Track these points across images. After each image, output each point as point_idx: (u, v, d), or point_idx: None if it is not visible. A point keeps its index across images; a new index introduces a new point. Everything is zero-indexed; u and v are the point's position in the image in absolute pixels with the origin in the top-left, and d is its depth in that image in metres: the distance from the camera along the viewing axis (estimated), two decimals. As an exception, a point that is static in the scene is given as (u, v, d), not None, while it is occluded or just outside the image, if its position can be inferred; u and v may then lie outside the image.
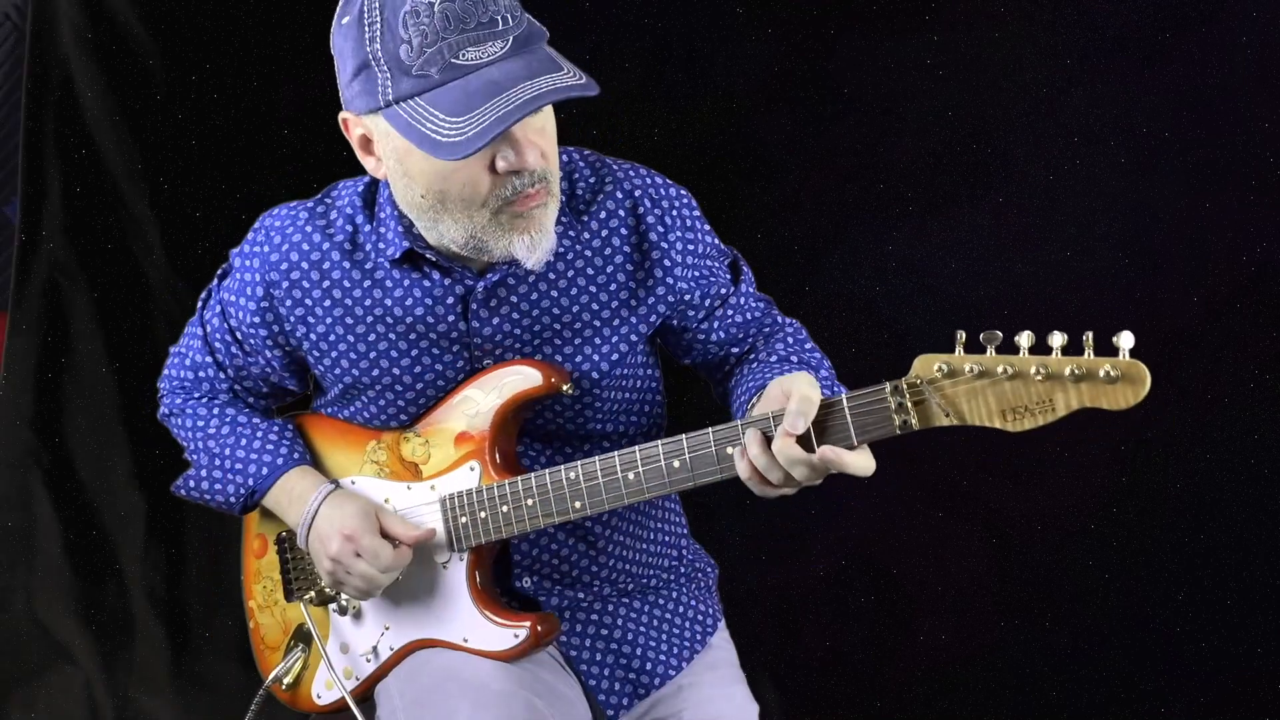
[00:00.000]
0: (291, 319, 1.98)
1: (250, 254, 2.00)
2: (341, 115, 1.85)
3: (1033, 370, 1.60)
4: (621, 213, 1.94)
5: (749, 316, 2.06)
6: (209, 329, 2.10)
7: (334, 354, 1.98)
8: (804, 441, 1.71)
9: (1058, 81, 3.00)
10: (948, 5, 3.02)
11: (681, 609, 2.14)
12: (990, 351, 1.62)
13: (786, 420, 1.70)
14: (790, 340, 2.05)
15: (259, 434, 2.09)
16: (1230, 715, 3.08)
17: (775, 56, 3.09)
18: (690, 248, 1.97)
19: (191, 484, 2.14)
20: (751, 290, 2.09)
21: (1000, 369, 1.61)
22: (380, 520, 1.95)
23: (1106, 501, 3.09)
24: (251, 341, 2.04)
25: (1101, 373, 1.56)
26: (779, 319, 2.09)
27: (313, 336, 1.98)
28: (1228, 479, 3.04)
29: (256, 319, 2.00)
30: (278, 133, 3.19)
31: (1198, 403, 2.99)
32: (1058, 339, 1.58)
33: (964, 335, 1.63)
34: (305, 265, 1.96)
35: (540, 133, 1.79)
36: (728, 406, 2.02)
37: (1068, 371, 1.58)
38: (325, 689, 2.10)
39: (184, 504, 3.14)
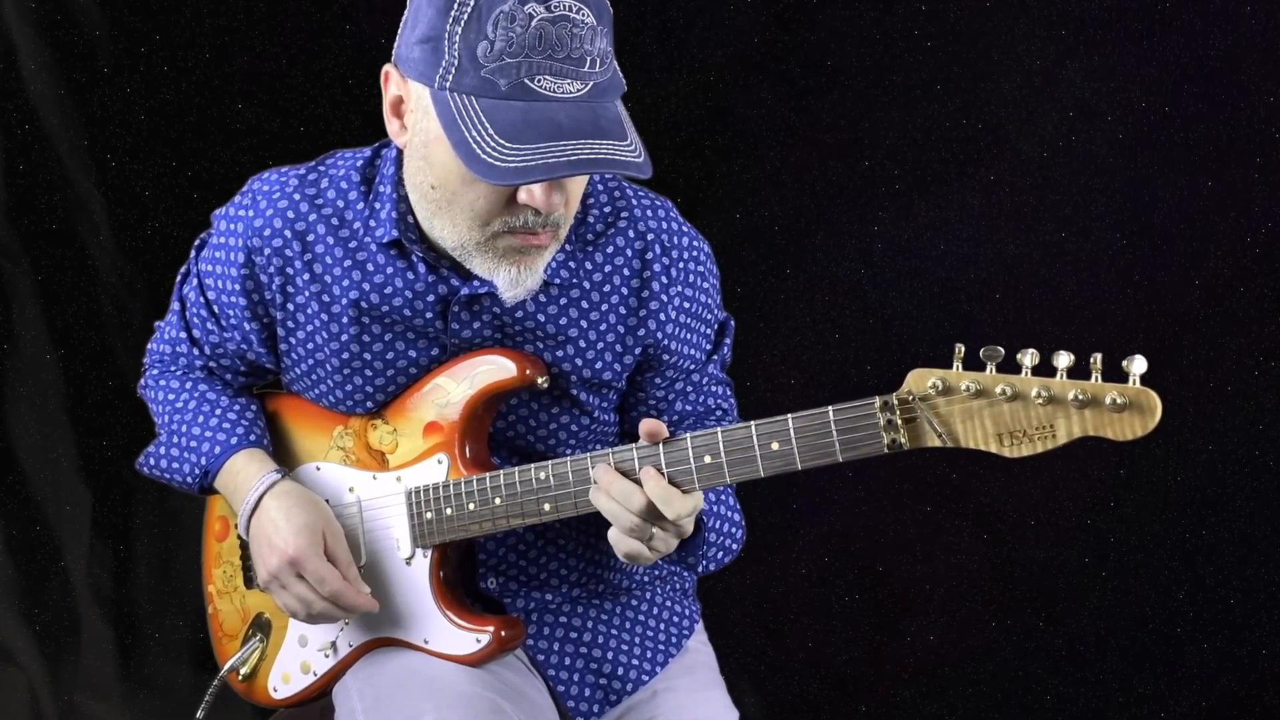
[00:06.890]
0: (273, 287, 1.96)
1: (234, 218, 1.98)
2: (386, 67, 1.80)
3: (1034, 393, 1.55)
4: (629, 252, 1.95)
5: (702, 405, 2.08)
6: (186, 304, 2.10)
7: (309, 328, 1.96)
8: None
9: (1052, 53, 2.99)
10: (937, -27, 3.03)
11: (656, 610, 2.11)
12: (990, 369, 1.58)
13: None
14: None
15: (218, 411, 2.07)
16: (1233, 720, 3.11)
17: (755, 26, 3.07)
18: (686, 305, 1.98)
19: (153, 460, 2.13)
20: (721, 370, 2.11)
21: (999, 389, 1.57)
22: (327, 540, 1.93)
23: (1104, 495, 3.09)
24: (230, 313, 2.01)
25: (1108, 399, 1.52)
26: (729, 411, 2.12)
27: (289, 308, 1.96)
28: (1230, 472, 3.05)
29: (237, 286, 1.97)
30: (230, 107, 3.16)
31: (1199, 391, 2.99)
32: (1063, 360, 1.54)
33: (963, 350, 1.59)
34: (289, 234, 1.93)
35: (575, 181, 1.79)
36: None
37: (1071, 396, 1.54)
38: (282, 682, 2.08)
39: (132, 498, 3.31)
